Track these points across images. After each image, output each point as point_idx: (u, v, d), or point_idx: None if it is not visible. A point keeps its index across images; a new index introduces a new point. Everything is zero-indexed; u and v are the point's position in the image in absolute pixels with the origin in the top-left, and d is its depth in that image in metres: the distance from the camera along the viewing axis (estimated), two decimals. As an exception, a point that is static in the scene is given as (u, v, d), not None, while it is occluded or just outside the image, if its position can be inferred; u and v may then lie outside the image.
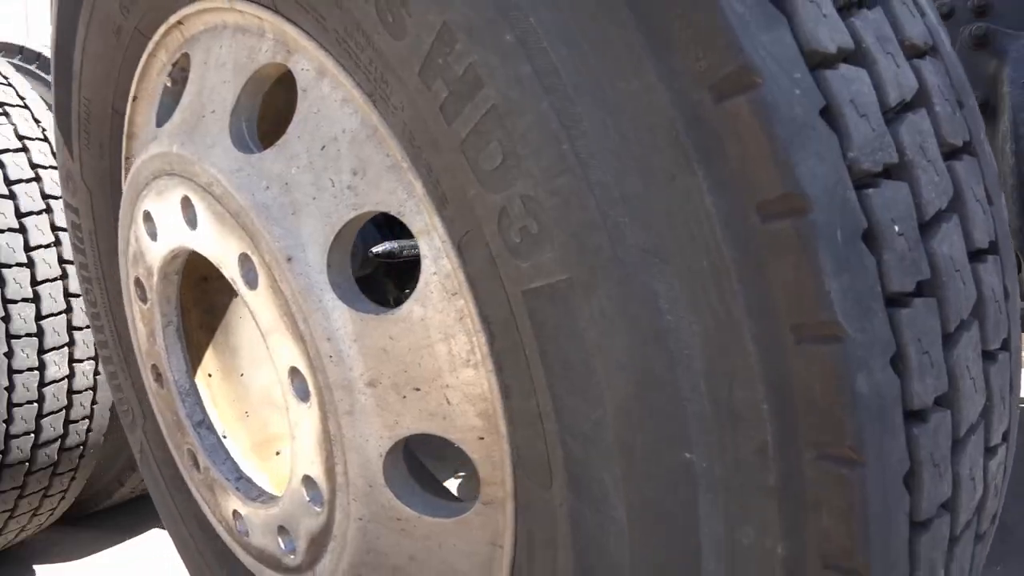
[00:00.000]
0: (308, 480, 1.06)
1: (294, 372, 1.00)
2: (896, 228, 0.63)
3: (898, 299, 0.63)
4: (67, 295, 2.15)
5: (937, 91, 0.73)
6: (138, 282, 1.31)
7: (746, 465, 0.64)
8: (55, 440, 2.20)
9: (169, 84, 1.19)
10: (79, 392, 2.21)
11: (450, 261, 0.85)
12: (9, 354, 2.02)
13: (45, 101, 2.38)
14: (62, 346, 2.13)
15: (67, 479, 2.33)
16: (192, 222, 1.10)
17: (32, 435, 2.13)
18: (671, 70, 0.60)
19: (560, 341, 0.71)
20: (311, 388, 0.98)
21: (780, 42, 0.60)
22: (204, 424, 1.35)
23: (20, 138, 2.17)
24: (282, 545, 1.18)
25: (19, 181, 2.11)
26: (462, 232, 0.79)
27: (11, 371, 2.03)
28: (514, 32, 0.66)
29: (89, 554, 2.61)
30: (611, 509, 0.73)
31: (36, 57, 2.44)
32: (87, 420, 2.27)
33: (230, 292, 1.58)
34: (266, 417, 1.61)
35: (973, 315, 0.72)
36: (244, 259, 1.02)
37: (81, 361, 2.19)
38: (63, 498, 2.39)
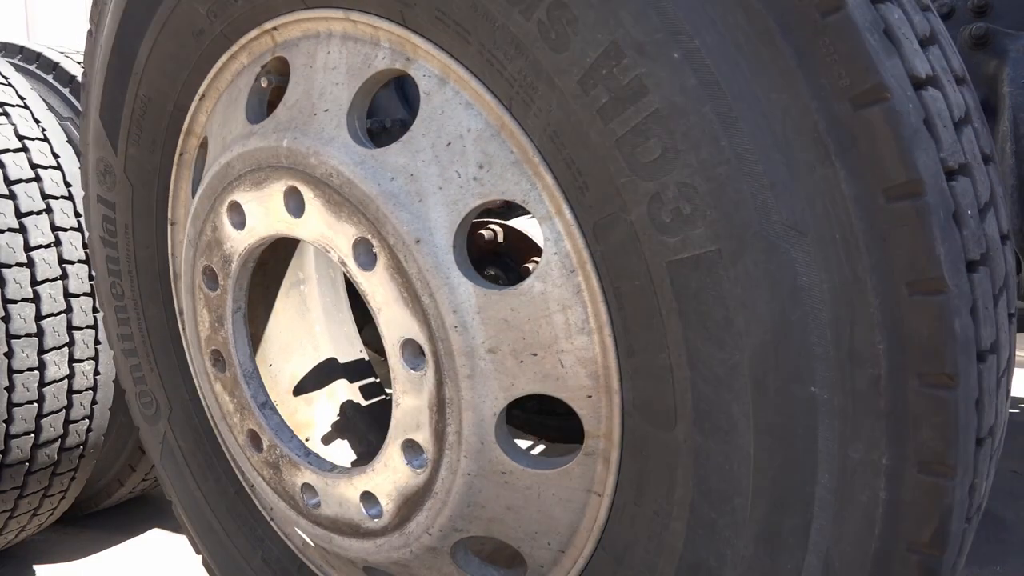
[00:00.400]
0: (410, 444, 1.17)
1: (407, 344, 1.12)
2: (968, 212, 0.83)
3: (971, 266, 0.83)
4: (67, 295, 2.16)
5: (974, 112, 0.95)
6: (209, 270, 1.38)
7: (861, 394, 0.83)
8: (55, 440, 2.22)
9: (264, 84, 1.29)
10: (79, 392, 2.23)
11: (571, 242, 1.00)
12: (9, 354, 2.03)
13: (45, 101, 2.39)
14: (62, 346, 2.15)
15: (67, 479, 2.34)
16: (297, 211, 1.20)
17: (32, 435, 2.14)
18: (817, 85, 0.79)
19: (701, 302, 0.88)
20: (428, 357, 1.10)
21: (897, 67, 0.79)
22: (268, 405, 1.43)
23: (20, 138, 2.18)
24: (364, 511, 1.28)
25: (19, 181, 2.12)
26: (601, 215, 0.94)
27: (11, 371, 2.04)
28: (682, 51, 0.83)
29: (89, 554, 2.60)
30: (737, 439, 0.89)
31: (36, 57, 2.41)
32: (87, 420, 2.28)
33: (263, 287, 1.66)
34: (294, 406, 1.70)
35: (1004, 284, 0.93)
36: (360, 243, 1.13)
37: (81, 361, 2.21)
38: (63, 498, 2.39)
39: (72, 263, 2.17)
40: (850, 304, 0.81)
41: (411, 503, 1.21)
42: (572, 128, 0.93)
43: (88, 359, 2.22)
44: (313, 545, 1.52)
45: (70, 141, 2.34)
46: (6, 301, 2.00)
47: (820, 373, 0.84)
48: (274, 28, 1.26)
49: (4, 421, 2.05)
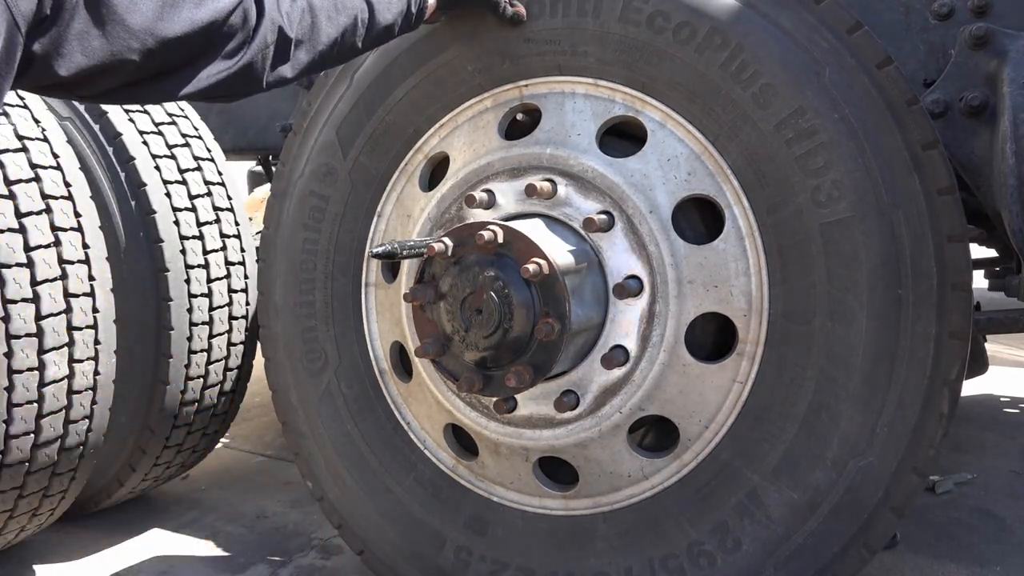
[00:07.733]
0: (617, 348, 1.78)
1: (629, 278, 1.77)
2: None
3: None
4: (67, 295, 2.17)
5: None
6: (445, 238, 1.95)
7: (923, 294, 1.59)
8: (55, 440, 2.23)
9: (519, 117, 1.95)
10: (79, 392, 2.23)
11: (744, 220, 1.73)
12: (9, 354, 2.04)
13: (45, 101, 2.43)
14: (62, 346, 2.15)
15: (67, 479, 2.35)
16: (551, 195, 1.84)
17: (32, 435, 2.16)
18: (906, 136, 1.61)
19: (840, 244, 1.63)
20: (645, 285, 1.75)
21: (937, 130, 1.63)
22: (470, 340, 1.96)
23: (20, 138, 2.19)
24: (559, 405, 1.84)
25: (19, 181, 2.12)
26: (775, 200, 1.68)
27: (11, 371, 2.05)
28: (838, 113, 1.63)
29: (89, 554, 2.62)
30: (856, 323, 1.62)
31: (36, 58, 2.53)
32: (87, 420, 2.29)
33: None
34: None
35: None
36: (602, 213, 1.79)
37: (81, 361, 2.21)
38: (63, 498, 2.40)
39: (72, 263, 2.18)
40: (919, 245, 1.60)
41: (609, 391, 1.80)
42: (765, 151, 1.69)
43: (88, 359, 2.22)
44: (475, 460, 2.00)
45: (70, 141, 2.36)
46: (6, 301, 2.01)
47: (903, 281, 1.60)
48: (525, 85, 1.95)
49: (4, 421, 2.05)
